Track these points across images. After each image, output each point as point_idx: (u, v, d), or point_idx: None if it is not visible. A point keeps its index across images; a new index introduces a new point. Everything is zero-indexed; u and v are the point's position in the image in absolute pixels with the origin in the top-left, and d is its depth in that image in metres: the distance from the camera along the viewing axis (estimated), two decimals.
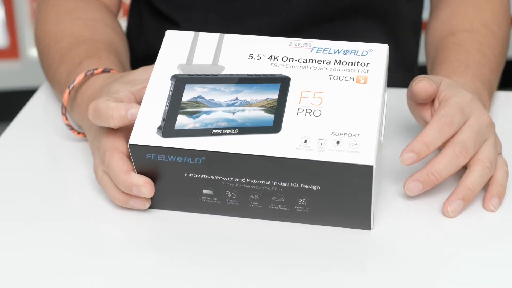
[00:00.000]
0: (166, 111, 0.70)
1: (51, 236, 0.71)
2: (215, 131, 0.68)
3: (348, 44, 0.73)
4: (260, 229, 0.72)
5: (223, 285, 0.65)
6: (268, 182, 0.69)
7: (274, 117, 0.69)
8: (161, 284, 0.66)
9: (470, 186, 0.73)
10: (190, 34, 0.75)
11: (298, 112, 0.69)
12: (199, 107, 0.70)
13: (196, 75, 0.72)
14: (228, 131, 0.68)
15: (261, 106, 0.70)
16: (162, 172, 0.70)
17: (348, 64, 0.71)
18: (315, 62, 0.72)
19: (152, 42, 1.06)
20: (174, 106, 0.70)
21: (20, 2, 2.32)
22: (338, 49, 0.73)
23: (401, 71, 1.06)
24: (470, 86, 0.83)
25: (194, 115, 0.70)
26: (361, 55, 0.72)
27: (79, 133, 0.85)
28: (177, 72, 0.72)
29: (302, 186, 0.68)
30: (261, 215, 0.72)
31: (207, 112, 0.70)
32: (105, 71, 0.83)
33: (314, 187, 0.68)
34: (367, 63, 0.71)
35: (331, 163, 0.66)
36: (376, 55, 0.72)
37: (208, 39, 0.75)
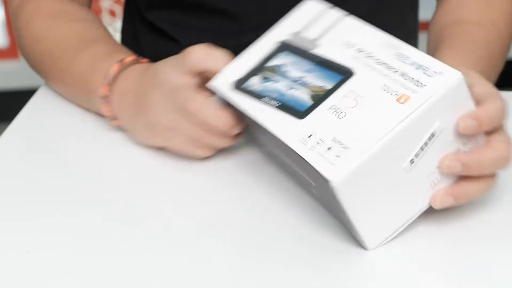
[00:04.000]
0: (251, 68, 0.78)
1: (51, 236, 0.71)
2: (264, 99, 0.74)
3: (428, 59, 0.69)
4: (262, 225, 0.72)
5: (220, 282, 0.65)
6: (289, 161, 0.73)
7: (310, 105, 0.71)
8: (164, 283, 0.66)
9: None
10: (320, 7, 0.80)
11: (330, 108, 0.70)
12: (273, 74, 0.76)
13: (296, 45, 0.78)
14: (272, 102, 0.73)
15: (312, 91, 0.72)
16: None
17: (408, 79, 0.68)
18: (386, 67, 0.70)
19: (149, 53, 1.05)
20: (259, 67, 0.77)
21: None
22: (415, 62, 0.69)
23: None
24: None
25: (264, 80, 0.76)
26: (428, 74, 0.67)
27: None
28: (287, 38, 0.79)
29: (305, 176, 0.70)
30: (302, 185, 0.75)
31: (274, 81, 0.75)
32: (136, 59, 0.85)
33: (313, 183, 0.69)
34: (424, 85, 0.67)
35: (309, 163, 0.66)
36: (441, 80, 0.67)
37: (330, 16, 0.79)
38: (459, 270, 0.67)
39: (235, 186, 0.78)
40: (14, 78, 2.36)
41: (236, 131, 0.79)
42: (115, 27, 1.94)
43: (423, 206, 0.70)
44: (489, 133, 0.70)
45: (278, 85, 0.74)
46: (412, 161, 0.67)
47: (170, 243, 0.70)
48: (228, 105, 0.77)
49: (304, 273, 0.66)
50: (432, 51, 0.92)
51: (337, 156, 0.65)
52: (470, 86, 0.69)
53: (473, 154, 0.69)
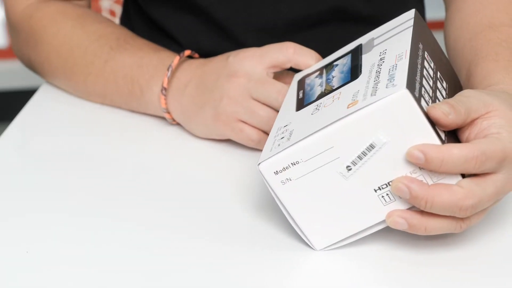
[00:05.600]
0: (326, 63, 0.78)
1: (52, 236, 0.71)
2: (300, 92, 0.76)
3: (402, 66, 0.66)
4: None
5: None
6: None
7: (312, 100, 0.72)
8: (165, 284, 0.66)
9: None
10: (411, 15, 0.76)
11: (317, 105, 0.71)
12: (327, 71, 0.76)
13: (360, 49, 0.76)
14: (300, 94, 0.75)
15: (325, 90, 0.72)
16: None
17: (373, 86, 0.66)
18: (376, 70, 0.69)
19: None
20: (330, 63, 0.77)
21: None
22: (393, 65, 0.67)
23: None
24: None
25: (318, 76, 0.76)
26: (390, 82, 0.64)
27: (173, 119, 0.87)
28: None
29: None
30: None
31: (319, 77, 0.76)
32: (192, 53, 0.87)
33: None
34: (374, 94, 0.64)
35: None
36: (389, 92, 0.63)
37: (396, 26, 0.76)
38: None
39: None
40: (14, 78, 2.36)
41: None
42: None
43: (378, 222, 0.67)
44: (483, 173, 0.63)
45: (317, 81, 0.75)
46: (349, 168, 0.65)
47: (172, 240, 0.70)
48: None
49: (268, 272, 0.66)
50: (467, 63, 0.80)
51: (279, 145, 0.67)
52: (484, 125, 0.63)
53: (426, 188, 0.62)
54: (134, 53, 0.89)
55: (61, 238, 0.71)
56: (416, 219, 0.63)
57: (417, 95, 0.64)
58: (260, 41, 0.88)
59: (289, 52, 0.81)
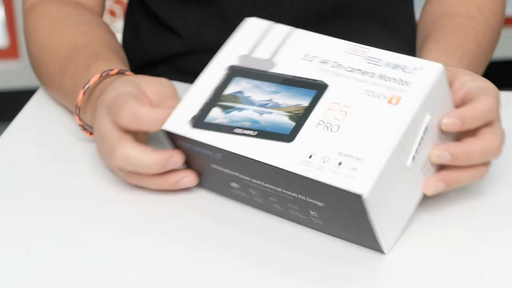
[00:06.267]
0: (205, 101, 0.72)
1: (51, 236, 0.71)
2: (236, 130, 0.69)
3: (401, 57, 0.70)
4: (273, 228, 0.72)
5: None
6: (279, 189, 0.68)
7: (294, 126, 0.68)
8: (166, 284, 0.65)
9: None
10: (264, 24, 0.76)
11: (318, 124, 0.68)
12: (235, 102, 0.71)
13: (249, 68, 0.73)
14: (248, 132, 0.69)
15: (288, 112, 0.69)
16: (194, 159, 0.72)
17: (390, 81, 0.68)
18: (360, 73, 0.69)
19: (150, 49, 1.05)
20: (215, 97, 0.72)
21: (20, 2, 2.31)
22: (390, 62, 0.69)
23: None
24: None
25: (227, 110, 0.71)
26: (408, 72, 0.68)
27: (91, 133, 0.83)
28: (236, 62, 0.74)
29: (308, 200, 0.67)
30: (285, 216, 0.71)
31: (239, 109, 0.71)
32: (120, 72, 0.82)
33: (319, 203, 0.67)
34: (409, 83, 0.67)
35: (324, 184, 0.64)
36: (424, 75, 0.68)
37: (278, 31, 0.75)
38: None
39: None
40: (14, 78, 2.35)
41: (156, 169, 0.73)
42: (116, 27, 1.94)
43: (420, 196, 0.70)
44: (480, 127, 0.71)
45: (246, 113, 0.70)
46: (414, 158, 0.67)
47: (174, 240, 0.70)
48: (180, 145, 0.72)
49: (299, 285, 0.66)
50: (420, 44, 0.92)
51: (354, 168, 0.64)
52: (462, 82, 0.71)
53: (462, 145, 0.70)
54: (76, 71, 0.86)
55: (61, 238, 0.71)
56: (448, 176, 0.70)
57: None
58: None
59: (128, 121, 0.73)
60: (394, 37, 1.03)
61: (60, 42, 0.91)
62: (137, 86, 0.77)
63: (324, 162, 0.65)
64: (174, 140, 0.72)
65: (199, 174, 0.74)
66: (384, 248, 0.67)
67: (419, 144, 0.67)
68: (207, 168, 0.72)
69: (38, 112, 0.94)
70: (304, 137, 0.67)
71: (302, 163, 0.66)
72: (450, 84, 0.72)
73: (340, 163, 0.65)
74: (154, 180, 0.74)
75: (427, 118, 0.68)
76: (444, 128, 0.69)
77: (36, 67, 0.95)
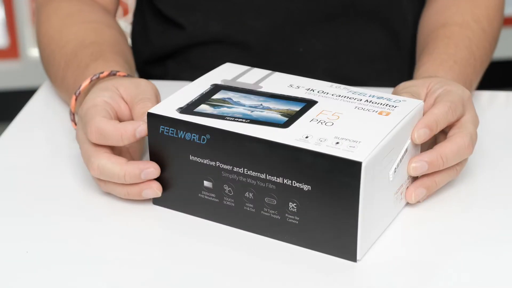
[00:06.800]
0: (193, 100, 0.74)
1: (51, 236, 0.71)
2: (228, 118, 0.71)
3: (385, 93, 0.75)
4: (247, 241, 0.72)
5: None
6: (263, 176, 0.69)
7: (288, 120, 0.70)
8: (166, 284, 0.66)
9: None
10: (243, 67, 0.80)
11: (312, 120, 0.70)
12: (224, 103, 0.73)
13: (234, 86, 0.76)
14: (240, 120, 0.71)
15: (280, 112, 0.72)
16: (170, 153, 0.72)
17: (377, 104, 0.73)
18: (346, 98, 0.74)
19: (158, 45, 1.06)
20: (202, 99, 0.74)
21: (20, 2, 2.32)
22: (374, 95, 0.74)
23: (403, 73, 1.05)
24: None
25: (216, 106, 0.73)
26: (393, 101, 0.73)
27: None
28: (219, 83, 0.77)
29: (294, 184, 0.68)
30: (252, 224, 0.71)
31: (229, 107, 0.73)
32: (111, 74, 0.82)
33: (305, 187, 0.67)
34: (395, 106, 0.72)
35: (322, 154, 0.66)
36: (407, 105, 0.73)
37: (258, 72, 0.79)
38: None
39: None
40: (14, 78, 2.35)
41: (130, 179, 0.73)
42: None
43: (390, 221, 0.73)
44: (448, 130, 0.75)
45: (238, 110, 0.72)
46: (395, 171, 0.70)
47: (171, 245, 0.70)
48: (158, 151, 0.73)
49: None
50: (418, 55, 0.94)
51: (351, 146, 0.66)
52: (433, 89, 0.77)
53: (434, 151, 0.73)
54: (77, 68, 0.87)
55: (61, 238, 0.71)
56: (427, 181, 0.74)
57: None
58: (268, 29, 0.89)
59: (96, 137, 0.74)
60: (393, 41, 1.03)
61: (69, 36, 0.92)
62: (113, 92, 0.77)
63: (321, 141, 0.67)
64: (156, 127, 0.72)
65: (168, 181, 0.74)
66: (358, 251, 0.67)
67: (400, 161, 0.70)
68: (183, 165, 0.72)
69: (38, 112, 0.94)
70: (299, 126, 0.69)
71: (299, 140, 0.68)
72: (426, 93, 0.78)
73: (337, 143, 0.67)
74: (120, 189, 0.74)
75: (408, 141, 0.72)
76: (418, 141, 0.72)
77: (44, 58, 0.95)
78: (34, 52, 2.35)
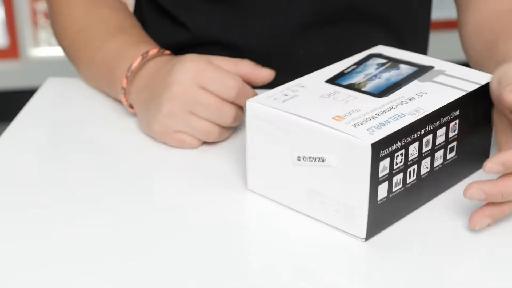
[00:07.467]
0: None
1: (52, 236, 0.71)
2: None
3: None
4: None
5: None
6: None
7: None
8: (165, 285, 0.66)
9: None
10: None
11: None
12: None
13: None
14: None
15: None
16: None
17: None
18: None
19: (156, 41, 1.06)
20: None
21: (20, 2, 2.32)
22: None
23: None
24: None
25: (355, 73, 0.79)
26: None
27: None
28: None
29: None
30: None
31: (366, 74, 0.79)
32: (159, 52, 0.88)
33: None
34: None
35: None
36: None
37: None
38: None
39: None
40: (14, 78, 2.36)
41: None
42: None
43: (301, 211, 0.74)
44: None
45: (368, 68, 0.79)
46: (298, 159, 0.72)
47: (172, 241, 0.71)
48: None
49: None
50: (489, 46, 0.90)
51: (275, 99, 0.73)
52: None
53: (496, 184, 0.69)
54: (119, 45, 0.92)
55: (61, 238, 0.71)
56: (493, 210, 0.70)
57: (382, 155, 0.67)
58: (269, 31, 0.90)
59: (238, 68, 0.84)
60: (398, 45, 1.03)
61: (108, 14, 0.96)
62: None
63: (294, 85, 0.76)
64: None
65: None
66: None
67: (310, 160, 0.71)
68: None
69: (38, 112, 0.94)
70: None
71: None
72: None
73: (286, 92, 0.74)
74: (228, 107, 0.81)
75: (328, 157, 0.70)
76: (489, 172, 0.69)
77: (65, 45, 0.99)
78: (34, 52, 2.35)
